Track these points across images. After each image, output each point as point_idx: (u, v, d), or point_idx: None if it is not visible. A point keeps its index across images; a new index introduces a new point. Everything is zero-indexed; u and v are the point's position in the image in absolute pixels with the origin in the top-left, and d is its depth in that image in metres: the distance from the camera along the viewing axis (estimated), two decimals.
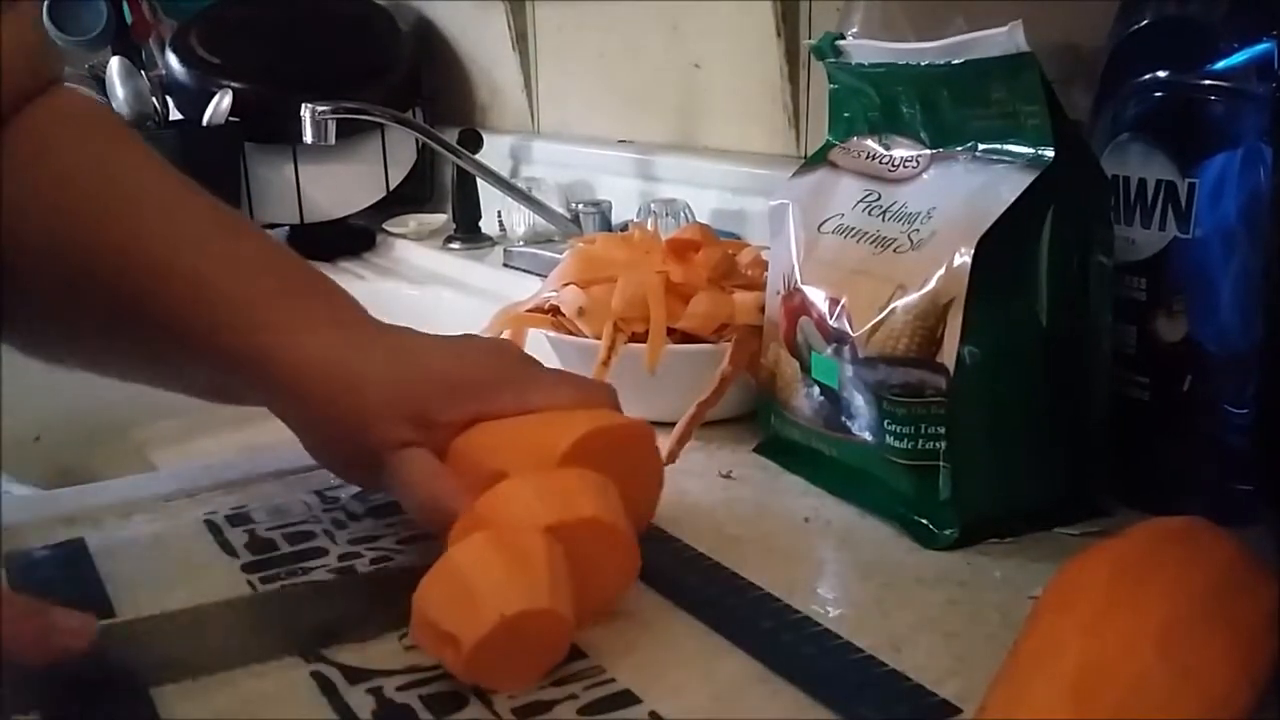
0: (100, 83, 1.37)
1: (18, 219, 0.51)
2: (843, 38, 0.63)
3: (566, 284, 0.71)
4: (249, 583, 0.50)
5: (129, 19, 1.54)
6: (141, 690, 0.41)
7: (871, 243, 0.58)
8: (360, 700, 0.41)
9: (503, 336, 0.73)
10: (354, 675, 0.42)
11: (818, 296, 0.60)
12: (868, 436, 0.57)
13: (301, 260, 0.56)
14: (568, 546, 0.42)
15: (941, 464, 0.54)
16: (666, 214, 1.04)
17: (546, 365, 0.56)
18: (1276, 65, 0.49)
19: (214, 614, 0.47)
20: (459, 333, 0.56)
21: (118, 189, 0.54)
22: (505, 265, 1.19)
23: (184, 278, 0.51)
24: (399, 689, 0.41)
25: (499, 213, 1.27)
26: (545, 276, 0.76)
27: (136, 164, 0.56)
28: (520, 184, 1.22)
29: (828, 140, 0.66)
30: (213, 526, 0.56)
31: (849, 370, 0.57)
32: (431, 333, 0.54)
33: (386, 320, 0.55)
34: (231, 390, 0.54)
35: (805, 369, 0.61)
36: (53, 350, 0.57)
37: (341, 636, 0.45)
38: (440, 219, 1.39)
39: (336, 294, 0.55)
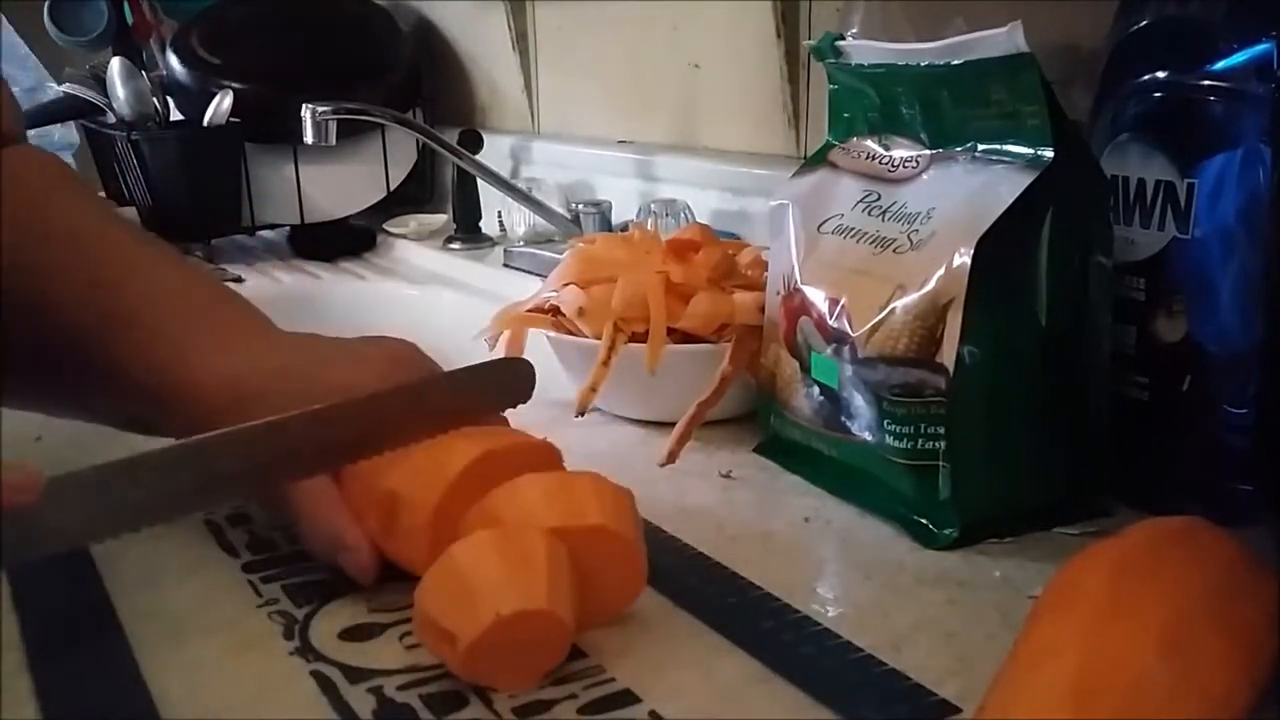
0: (101, 83, 1.36)
1: None
2: (842, 38, 0.63)
3: (567, 284, 0.71)
4: (250, 583, 0.50)
5: (130, 19, 1.54)
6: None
7: (871, 243, 0.59)
8: (360, 699, 0.41)
9: (485, 339, 0.73)
10: (354, 674, 0.43)
11: (817, 296, 0.60)
12: (867, 436, 0.57)
13: (208, 277, 0.57)
14: (573, 551, 0.43)
15: (941, 464, 0.54)
16: (666, 214, 1.04)
17: (445, 369, 0.55)
18: (1276, 66, 0.49)
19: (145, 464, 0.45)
20: (369, 335, 0.57)
21: (49, 226, 0.54)
22: (505, 265, 1.19)
23: (97, 307, 0.52)
24: (399, 688, 0.42)
25: (499, 213, 1.27)
26: (545, 277, 0.76)
27: (69, 203, 0.57)
28: (520, 184, 1.22)
29: (827, 141, 0.66)
30: (213, 526, 0.56)
31: (849, 370, 0.57)
32: (339, 338, 0.55)
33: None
34: (144, 421, 0.54)
35: (805, 369, 0.61)
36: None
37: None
38: (440, 219, 1.39)
39: (238, 309, 0.55)
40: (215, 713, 0.41)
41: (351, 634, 0.46)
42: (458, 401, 0.52)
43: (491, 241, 1.29)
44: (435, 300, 1.20)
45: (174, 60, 1.38)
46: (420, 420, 0.50)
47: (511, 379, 0.54)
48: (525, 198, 1.19)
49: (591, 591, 0.43)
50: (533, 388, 0.54)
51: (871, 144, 0.63)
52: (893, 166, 0.61)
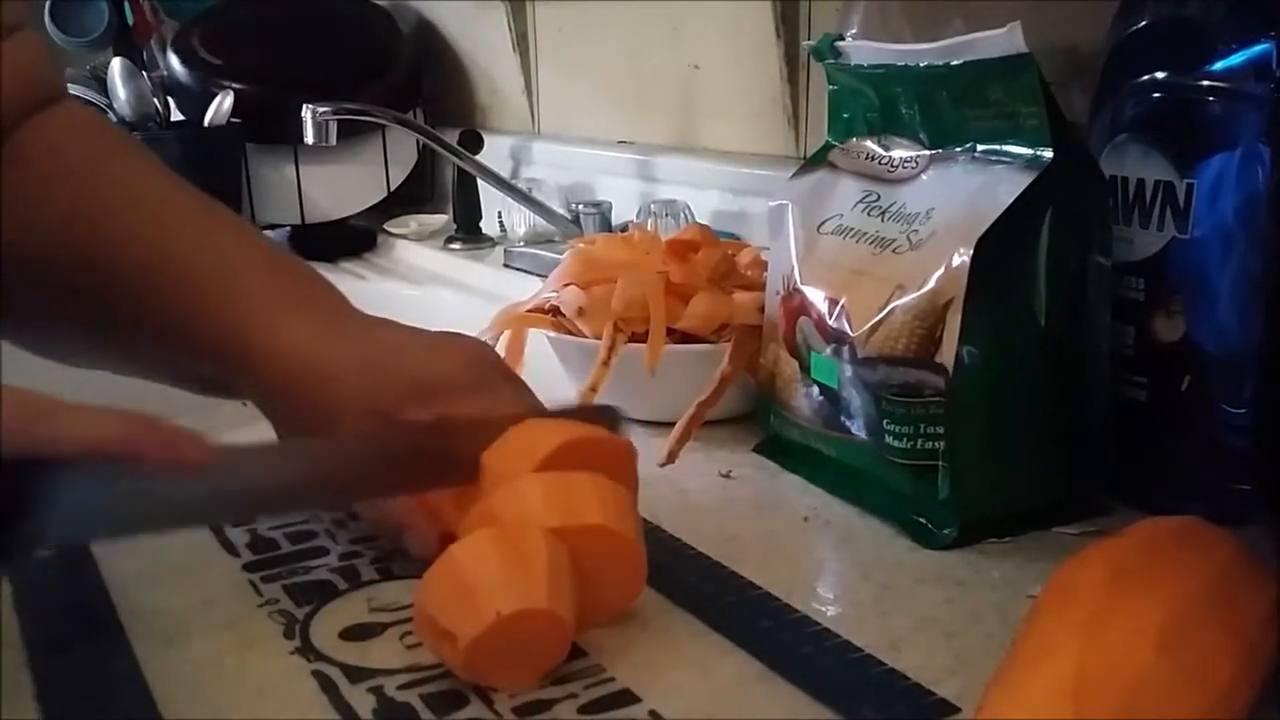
0: (102, 84, 1.37)
1: (21, 225, 0.52)
2: (842, 39, 0.63)
3: (567, 284, 0.71)
4: (250, 582, 0.50)
5: (130, 20, 1.54)
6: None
7: (871, 243, 0.59)
8: (361, 699, 0.41)
9: (486, 339, 0.73)
10: (355, 674, 0.43)
11: (817, 297, 0.60)
12: (867, 436, 0.57)
13: (287, 254, 0.57)
14: (573, 551, 0.43)
15: (940, 464, 0.54)
16: (666, 214, 1.04)
17: (522, 378, 0.55)
18: (1274, 66, 0.49)
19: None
20: (447, 330, 0.56)
21: (113, 192, 0.55)
22: (506, 266, 1.19)
23: (170, 275, 0.52)
24: (400, 688, 0.42)
25: (499, 213, 1.27)
26: (545, 277, 0.76)
27: (132, 168, 0.57)
28: (520, 185, 1.22)
29: (827, 141, 0.66)
30: (214, 526, 0.56)
31: (848, 370, 0.57)
32: (416, 327, 0.54)
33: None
34: (218, 383, 0.55)
35: (805, 369, 0.61)
36: (53, 346, 0.58)
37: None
38: (441, 219, 1.39)
39: (319, 286, 0.55)
40: (216, 712, 0.41)
41: (352, 633, 0.46)
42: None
43: (492, 242, 1.29)
44: (435, 300, 1.20)
45: (175, 61, 1.38)
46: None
47: (602, 422, 0.53)
48: (525, 198, 1.19)
49: (592, 591, 0.44)
50: (621, 430, 0.54)
51: (871, 144, 0.63)
52: (892, 167, 0.61)
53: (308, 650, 0.44)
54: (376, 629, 0.46)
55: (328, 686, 0.42)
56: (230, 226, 0.57)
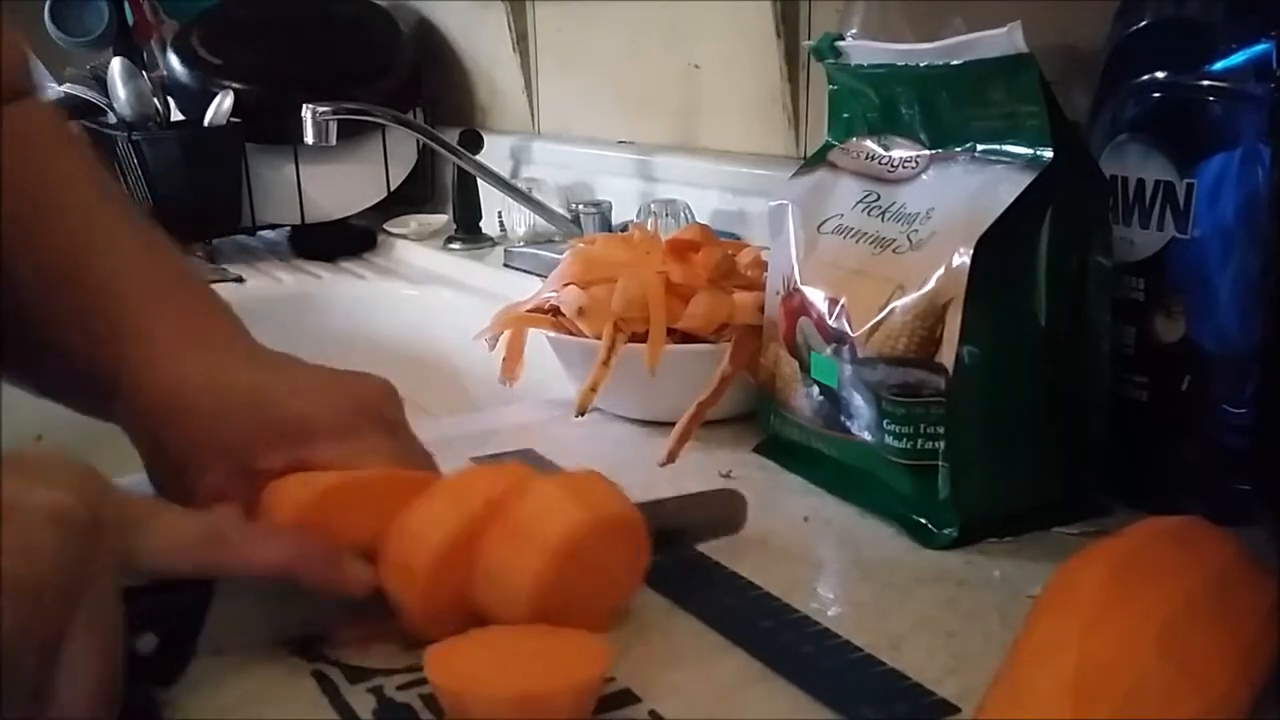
0: (102, 83, 1.37)
1: None
2: (842, 38, 0.63)
3: (567, 284, 0.71)
4: None
5: (131, 20, 1.54)
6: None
7: (871, 243, 0.59)
8: (361, 699, 0.41)
9: (486, 339, 0.73)
10: (354, 674, 0.43)
11: (817, 297, 0.60)
12: (867, 436, 0.57)
13: (195, 280, 0.55)
14: (590, 543, 0.43)
15: (940, 463, 0.54)
16: (666, 214, 1.04)
17: (411, 430, 0.52)
18: (1274, 66, 0.49)
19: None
20: (353, 371, 0.52)
21: (39, 195, 0.52)
22: (506, 266, 1.19)
23: (63, 283, 0.50)
24: (399, 688, 0.42)
25: (499, 213, 1.27)
26: (545, 277, 0.76)
27: (65, 173, 0.54)
28: (520, 185, 1.22)
29: (827, 141, 0.66)
30: None
31: (848, 370, 0.57)
32: (316, 366, 0.51)
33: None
34: (96, 406, 0.52)
35: (805, 369, 0.61)
36: None
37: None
38: (441, 219, 1.40)
39: (216, 317, 0.53)
40: (217, 712, 0.41)
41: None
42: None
43: (492, 242, 1.29)
44: (435, 300, 1.20)
45: (175, 60, 1.38)
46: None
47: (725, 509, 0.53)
48: (525, 198, 1.19)
49: (603, 578, 0.44)
50: (744, 517, 0.53)
51: (871, 144, 0.63)
52: (892, 167, 0.61)
53: (307, 650, 0.44)
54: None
55: (327, 687, 0.42)
56: (143, 243, 0.54)
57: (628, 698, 0.41)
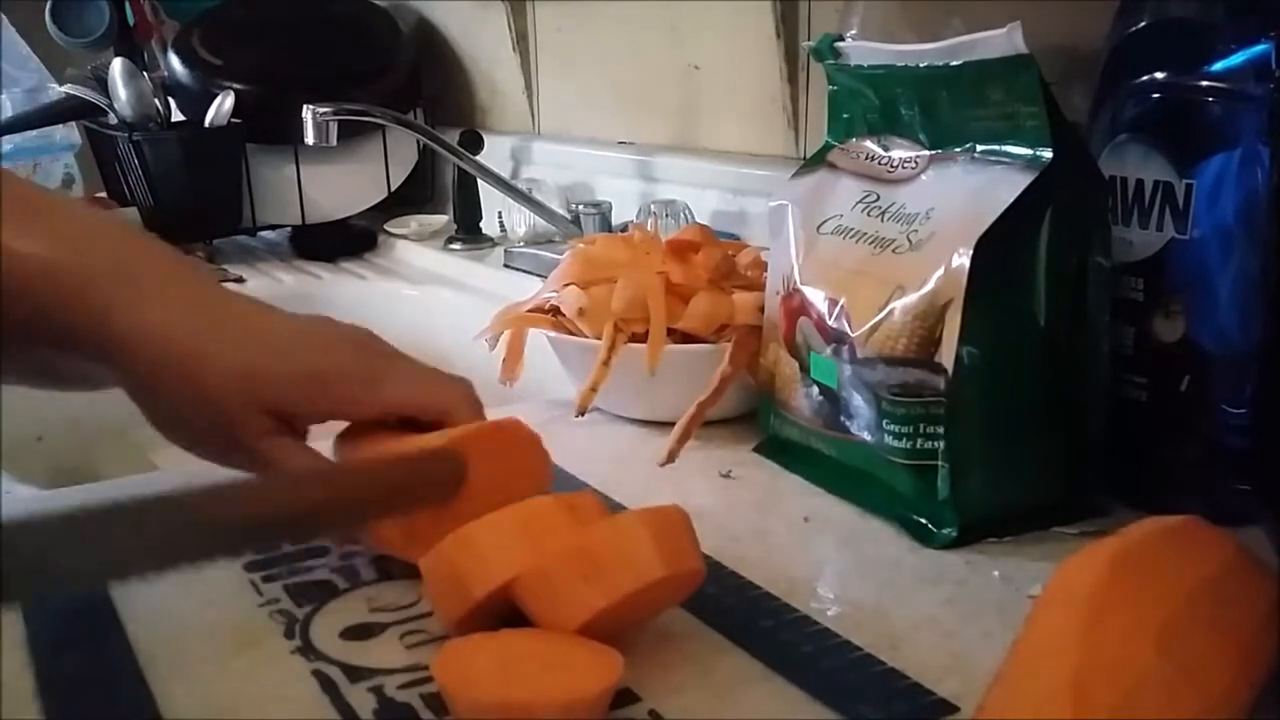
0: (102, 84, 1.37)
1: None
2: (842, 39, 0.63)
3: (567, 284, 0.71)
4: (251, 582, 0.50)
5: (131, 20, 1.54)
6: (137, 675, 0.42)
7: (870, 243, 0.59)
8: (361, 699, 0.41)
9: (486, 339, 0.73)
10: (355, 674, 0.43)
11: (817, 297, 0.60)
12: (867, 436, 0.57)
13: (147, 234, 0.53)
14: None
15: (940, 463, 0.54)
16: (666, 215, 1.04)
17: (409, 357, 0.54)
18: (1274, 66, 0.49)
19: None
20: (318, 315, 0.54)
21: None
22: (506, 266, 1.19)
23: (28, 261, 0.48)
24: (400, 688, 0.42)
25: (499, 214, 1.27)
26: (545, 277, 0.76)
27: None
28: (521, 185, 1.22)
29: (827, 141, 0.66)
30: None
31: (848, 370, 0.57)
32: (285, 312, 0.52)
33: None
34: (79, 374, 0.52)
35: (804, 369, 0.61)
36: None
37: None
38: (441, 220, 1.40)
39: (185, 263, 0.52)
40: (217, 712, 0.41)
41: (352, 633, 0.46)
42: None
43: (492, 242, 1.29)
44: (435, 300, 1.20)
45: (175, 61, 1.38)
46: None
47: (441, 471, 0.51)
48: (525, 198, 1.19)
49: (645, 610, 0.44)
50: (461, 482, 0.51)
51: (871, 145, 0.63)
52: (892, 167, 0.61)
53: (308, 650, 0.45)
54: (376, 629, 0.46)
55: (328, 686, 0.42)
56: (85, 208, 0.53)
57: (628, 696, 0.41)
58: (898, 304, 0.54)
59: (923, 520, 0.55)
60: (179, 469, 0.62)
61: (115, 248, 0.50)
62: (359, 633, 0.46)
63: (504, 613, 0.43)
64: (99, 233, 0.50)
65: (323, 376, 0.50)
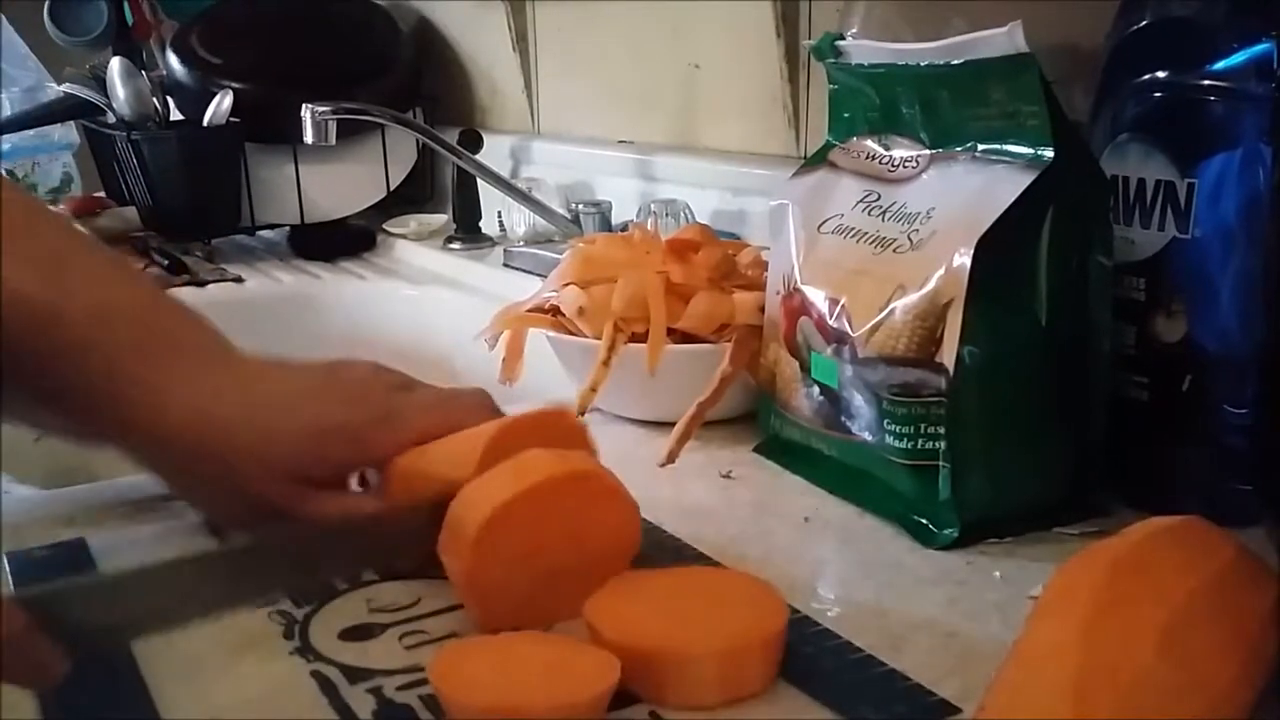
0: (101, 83, 1.37)
1: None
2: (842, 38, 0.63)
3: (567, 284, 0.71)
4: None
5: (130, 19, 1.54)
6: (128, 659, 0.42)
7: (871, 243, 0.59)
8: (360, 699, 0.41)
9: (486, 339, 0.73)
10: (354, 674, 0.43)
11: (818, 296, 0.60)
12: (867, 436, 0.57)
13: (163, 294, 0.54)
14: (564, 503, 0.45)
15: (941, 464, 0.54)
16: (666, 214, 1.04)
17: (419, 383, 0.54)
18: (1276, 65, 0.49)
19: (189, 566, 0.45)
20: (331, 359, 0.54)
21: None
22: (505, 265, 1.19)
23: (43, 321, 0.48)
24: (399, 688, 0.42)
25: (499, 213, 1.27)
26: (545, 277, 0.76)
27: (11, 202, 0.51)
28: (520, 184, 1.22)
29: (827, 141, 0.66)
30: (213, 528, 0.56)
31: (849, 370, 0.57)
32: (304, 364, 0.53)
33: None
34: (92, 435, 0.52)
35: (805, 369, 0.61)
36: None
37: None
38: (440, 219, 1.39)
39: (199, 330, 0.52)
40: (216, 713, 0.41)
41: (351, 634, 0.46)
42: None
43: (491, 241, 1.29)
44: (435, 300, 1.20)
45: (174, 60, 1.38)
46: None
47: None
48: (525, 198, 1.19)
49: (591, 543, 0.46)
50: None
51: (871, 144, 0.63)
52: (893, 166, 0.61)
53: (307, 651, 0.44)
54: (376, 629, 0.46)
55: (327, 687, 0.42)
56: (107, 264, 0.53)
57: (628, 698, 0.41)
58: (899, 304, 0.54)
59: (923, 520, 0.55)
60: None
61: (140, 315, 0.50)
62: (358, 633, 0.46)
63: (508, 584, 0.44)
64: (122, 296, 0.50)
65: (328, 430, 0.50)
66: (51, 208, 0.54)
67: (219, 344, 0.52)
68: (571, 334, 0.70)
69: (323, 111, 1.11)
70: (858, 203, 0.61)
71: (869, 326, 0.56)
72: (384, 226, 1.40)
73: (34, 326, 0.47)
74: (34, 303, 0.47)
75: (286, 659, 0.44)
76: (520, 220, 1.23)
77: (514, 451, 0.47)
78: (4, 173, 1.34)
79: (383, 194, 1.40)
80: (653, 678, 0.40)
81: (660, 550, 0.51)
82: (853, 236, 0.60)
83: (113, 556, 0.52)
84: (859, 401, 0.57)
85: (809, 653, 0.44)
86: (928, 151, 0.59)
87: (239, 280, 1.26)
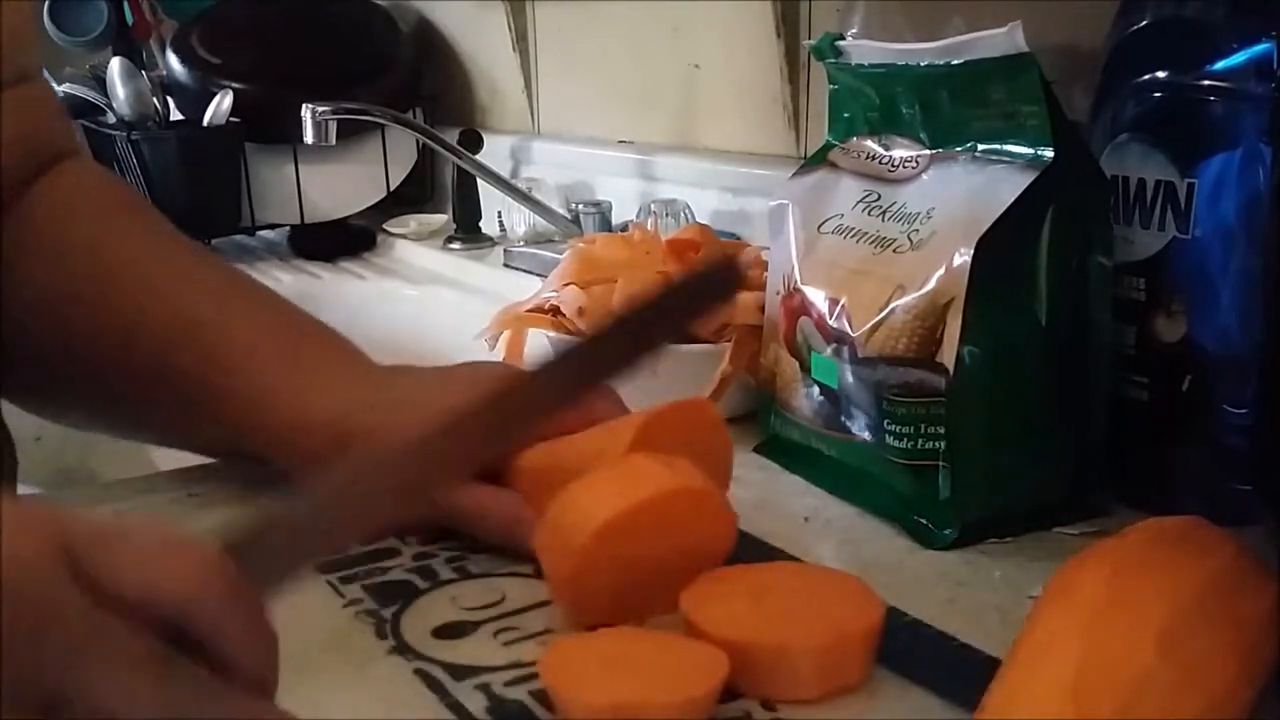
0: (101, 83, 1.37)
1: (31, 295, 0.53)
2: (842, 38, 0.63)
3: (567, 284, 0.71)
4: (329, 583, 0.49)
5: (130, 19, 1.54)
6: None
7: (871, 243, 0.59)
8: (470, 696, 0.40)
9: (486, 339, 0.73)
10: (458, 672, 0.42)
11: (817, 296, 0.60)
12: (867, 436, 0.57)
13: (302, 312, 0.57)
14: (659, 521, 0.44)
15: (941, 464, 0.54)
16: (666, 214, 1.04)
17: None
18: (1276, 65, 0.49)
19: None
20: (460, 361, 0.56)
21: (126, 258, 0.55)
22: (505, 265, 1.19)
23: (191, 343, 0.52)
24: (507, 684, 0.41)
25: (499, 213, 1.27)
26: (545, 277, 0.76)
27: (143, 232, 0.57)
28: (520, 184, 1.22)
29: (827, 141, 0.66)
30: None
31: (849, 370, 0.57)
32: (435, 368, 0.54)
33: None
34: (231, 447, 0.55)
35: (805, 369, 0.61)
36: (60, 411, 0.59)
37: None
38: (440, 219, 1.39)
39: (338, 346, 0.56)
40: (323, 712, 0.39)
41: (444, 632, 0.45)
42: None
43: (491, 241, 1.29)
44: (435, 300, 1.20)
45: (174, 60, 1.38)
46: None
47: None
48: (525, 198, 1.19)
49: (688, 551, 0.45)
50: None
51: (871, 144, 0.63)
52: (893, 166, 0.61)
53: (404, 649, 0.44)
54: (469, 627, 0.45)
55: (434, 685, 0.41)
56: (246, 289, 0.57)
57: (730, 692, 0.40)
58: (898, 304, 0.54)
59: (923, 521, 0.55)
60: (179, 469, 0.62)
61: (284, 335, 0.55)
62: (451, 631, 0.45)
63: (608, 593, 0.44)
64: (265, 319, 0.55)
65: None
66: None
67: (355, 354, 0.56)
68: (571, 334, 0.70)
69: (323, 111, 1.11)
70: (858, 203, 0.61)
71: (869, 326, 0.56)
72: (384, 226, 1.40)
73: (175, 345, 0.52)
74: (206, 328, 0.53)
75: (385, 658, 0.43)
76: (520, 220, 1.23)
77: (660, 443, 0.47)
78: None
79: (383, 194, 1.41)
80: (754, 671, 0.40)
81: (749, 548, 0.51)
82: (853, 236, 0.60)
83: None
84: (859, 401, 0.57)
85: (903, 644, 0.43)
86: (928, 152, 0.59)
87: None
